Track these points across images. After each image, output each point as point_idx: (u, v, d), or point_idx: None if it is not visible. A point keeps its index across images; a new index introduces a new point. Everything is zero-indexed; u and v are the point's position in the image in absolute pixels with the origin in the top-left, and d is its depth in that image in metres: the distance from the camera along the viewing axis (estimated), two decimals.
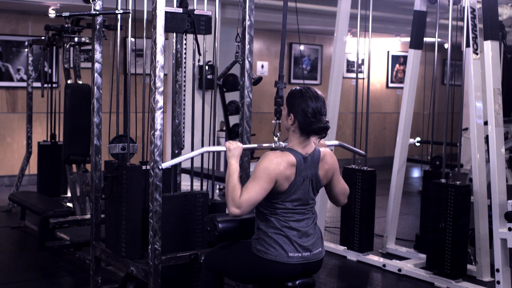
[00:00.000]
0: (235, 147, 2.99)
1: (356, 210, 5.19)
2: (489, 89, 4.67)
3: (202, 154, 3.25)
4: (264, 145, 3.20)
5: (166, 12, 3.34)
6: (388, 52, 11.68)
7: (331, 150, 3.20)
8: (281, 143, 3.10)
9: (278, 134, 3.09)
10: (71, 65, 6.21)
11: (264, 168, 2.81)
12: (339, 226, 5.50)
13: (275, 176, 2.81)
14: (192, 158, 3.80)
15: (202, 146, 3.89)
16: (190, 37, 4.25)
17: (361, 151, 3.80)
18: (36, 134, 8.01)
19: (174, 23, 3.56)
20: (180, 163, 4.01)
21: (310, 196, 2.93)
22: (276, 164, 2.82)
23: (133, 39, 3.76)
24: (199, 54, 3.67)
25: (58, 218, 4.99)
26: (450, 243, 4.54)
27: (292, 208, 2.89)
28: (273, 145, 3.11)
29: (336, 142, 3.55)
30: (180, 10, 3.59)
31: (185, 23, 3.60)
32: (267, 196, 2.86)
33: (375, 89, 11.49)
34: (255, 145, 3.26)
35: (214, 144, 3.88)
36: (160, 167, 3.23)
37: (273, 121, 3.10)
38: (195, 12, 3.65)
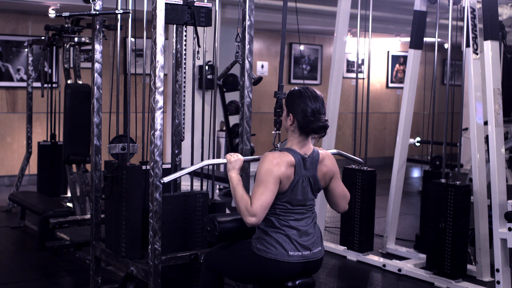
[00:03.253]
0: (236, 160, 2.99)
1: (356, 210, 5.19)
2: (489, 89, 4.67)
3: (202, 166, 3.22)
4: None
5: (166, 4, 3.33)
6: (388, 52, 11.68)
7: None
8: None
9: (278, 145, 3.09)
10: (71, 65, 6.21)
11: (267, 170, 2.81)
12: (339, 226, 5.50)
13: (279, 177, 2.82)
14: (192, 160, 3.81)
15: (202, 145, 3.90)
16: (190, 36, 4.26)
17: (358, 159, 3.72)
18: (36, 134, 8.01)
19: (174, 15, 3.55)
20: (180, 163, 4.01)
21: (309, 197, 2.93)
22: (277, 165, 2.82)
23: (133, 39, 3.76)
24: (198, 46, 3.64)
25: (58, 218, 4.99)
26: (450, 243, 4.54)
27: (292, 208, 2.89)
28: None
29: (335, 151, 3.49)
30: (180, 1, 3.59)
31: (185, 14, 3.59)
32: None
33: (375, 89, 11.49)
34: (256, 157, 3.23)
35: (214, 145, 3.89)
36: (162, 181, 3.18)
37: (273, 132, 3.10)
38: (195, 4, 3.65)
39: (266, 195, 2.79)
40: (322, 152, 2.99)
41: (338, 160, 3.16)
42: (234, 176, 2.94)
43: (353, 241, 5.26)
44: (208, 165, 3.20)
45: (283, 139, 3.10)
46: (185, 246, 3.60)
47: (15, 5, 7.59)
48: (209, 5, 3.71)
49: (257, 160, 3.19)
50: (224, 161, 3.05)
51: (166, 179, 3.13)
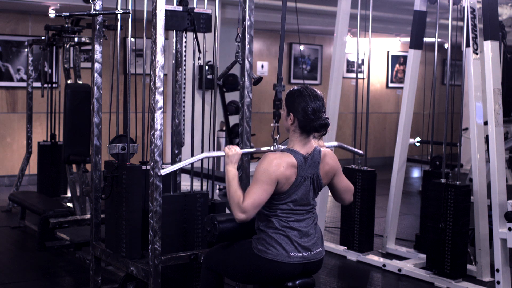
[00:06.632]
0: (234, 153, 2.98)
1: (356, 210, 5.19)
2: (489, 89, 4.67)
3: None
4: (263, 148, 3.18)
5: (166, 10, 3.34)
6: (388, 52, 11.68)
7: (332, 150, 3.19)
8: (280, 146, 3.08)
9: (277, 137, 3.08)
10: (71, 65, 6.21)
11: (264, 170, 2.81)
12: (339, 226, 5.50)
13: (276, 178, 2.82)
14: None
15: (202, 146, 3.89)
16: (190, 37, 4.25)
17: (359, 151, 3.76)
18: (36, 134, 8.01)
19: (174, 21, 3.56)
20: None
21: (311, 196, 2.93)
22: (276, 166, 2.82)
23: (133, 39, 3.76)
24: (199, 52, 3.66)
25: (58, 218, 4.99)
26: (450, 243, 4.54)
27: (293, 208, 2.89)
28: (271, 148, 3.09)
29: (336, 143, 3.53)
30: (180, 8, 3.60)
31: (185, 21, 3.61)
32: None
33: (375, 89, 11.49)
34: (254, 149, 3.25)
35: (214, 145, 3.89)
36: (159, 174, 3.23)
37: (272, 124, 3.10)
38: (195, 10, 3.65)
39: (259, 194, 2.80)
40: (323, 150, 2.99)
41: (338, 160, 3.16)
42: (231, 170, 2.94)
43: (353, 241, 5.25)
44: (207, 157, 3.19)
45: (283, 138, 3.10)
46: (185, 246, 3.60)
47: (15, 5, 7.59)
48: (209, 11, 3.72)
49: (255, 152, 3.24)
50: (222, 153, 3.04)
51: (164, 171, 3.17)
